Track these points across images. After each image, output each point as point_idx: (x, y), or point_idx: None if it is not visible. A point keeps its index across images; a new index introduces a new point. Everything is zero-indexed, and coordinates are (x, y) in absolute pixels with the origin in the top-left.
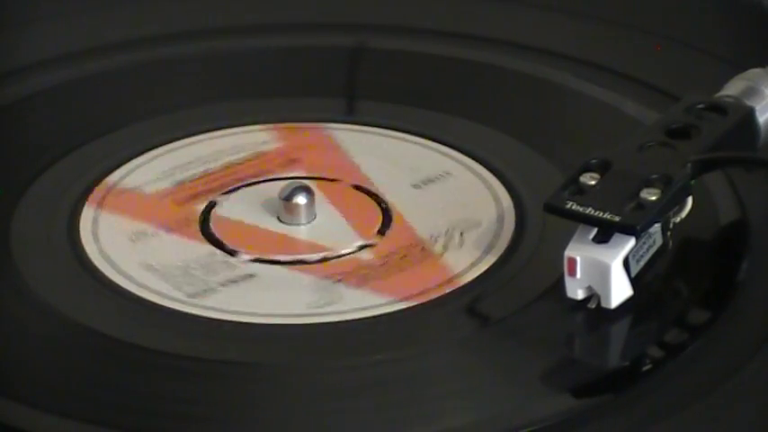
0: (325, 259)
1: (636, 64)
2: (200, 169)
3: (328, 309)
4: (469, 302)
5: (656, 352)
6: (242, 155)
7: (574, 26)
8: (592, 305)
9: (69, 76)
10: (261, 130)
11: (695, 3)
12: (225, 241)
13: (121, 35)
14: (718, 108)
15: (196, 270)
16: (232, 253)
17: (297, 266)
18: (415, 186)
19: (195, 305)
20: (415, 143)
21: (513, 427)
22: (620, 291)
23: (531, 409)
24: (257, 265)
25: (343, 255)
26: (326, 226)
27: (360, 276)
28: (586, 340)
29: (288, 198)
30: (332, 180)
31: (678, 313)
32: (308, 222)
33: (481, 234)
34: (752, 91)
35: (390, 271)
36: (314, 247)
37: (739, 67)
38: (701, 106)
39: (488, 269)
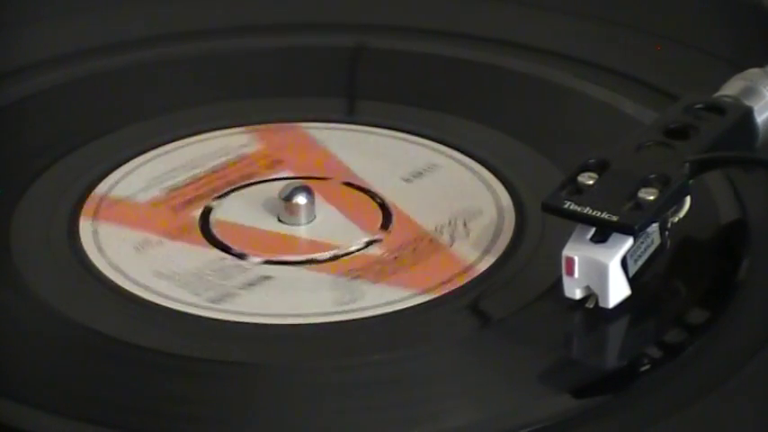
0: (335, 257)
1: (636, 64)
2: (199, 170)
3: (353, 305)
4: (469, 303)
5: (655, 352)
6: (239, 155)
7: (574, 26)
8: (590, 305)
9: (69, 77)
10: (252, 131)
11: (695, 3)
12: (230, 244)
13: (121, 35)
14: (717, 108)
15: (208, 275)
16: (240, 256)
17: (308, 266)
18: (415, 186)
19: (204, 306)
20: (415, 143)
21: (512, 428)
22: (617, 290)
23: (530, 409)
24: (269, 266)
25: (353, 252)
26: (328, 225)
27: (375, 271)
28: (586, 340)
29: (288, 198)
30: (330, 179)
31: (678, 313)
32: (309, 222)
33: (480, 234)
34: (750, 91)
35: (387, 272)
36: (322, 246)
37: (739, 67)
38: (699, 106)
39: (487, 269)
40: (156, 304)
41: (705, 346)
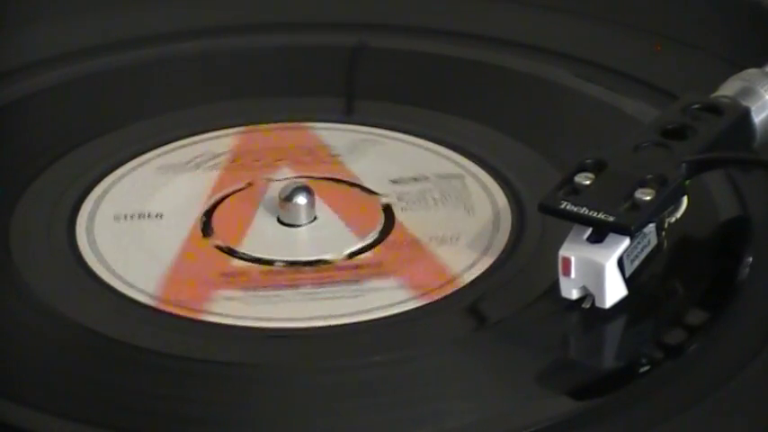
0: (330, 260)
1: (636, 64)
2: (199, 170)
3: (350, 309)
4: (467, 304)
5: (654, 353)
6: (240, 156)
7: (574, 26)
8: (586, 305)
9: (69, 76)
10: (260, 131)
11: (695, 3)
12: (231, 244)
13: (121, 35)
14: (714, 108)
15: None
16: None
17: (294, 267)
18: (414, 186)
19: (194, 309)
20: (415, 143)
21: (510, 429)
22: (614, 291)
23: (528, 410)
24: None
25: (348, 255)
26: (326, 226)
27: (364, 274)
28: (585, 342)
29: (288, 198)
30: (329, 180)
31: (677, 314)
32: (308, 223)
33: (479, 234)
34: (748, 91)
35: (390, 270)
36: (317, 249)
37: (739, 66)
38: (696, 106)
39: (486, 270)
40: (139, 299)
41: (705, 347)
